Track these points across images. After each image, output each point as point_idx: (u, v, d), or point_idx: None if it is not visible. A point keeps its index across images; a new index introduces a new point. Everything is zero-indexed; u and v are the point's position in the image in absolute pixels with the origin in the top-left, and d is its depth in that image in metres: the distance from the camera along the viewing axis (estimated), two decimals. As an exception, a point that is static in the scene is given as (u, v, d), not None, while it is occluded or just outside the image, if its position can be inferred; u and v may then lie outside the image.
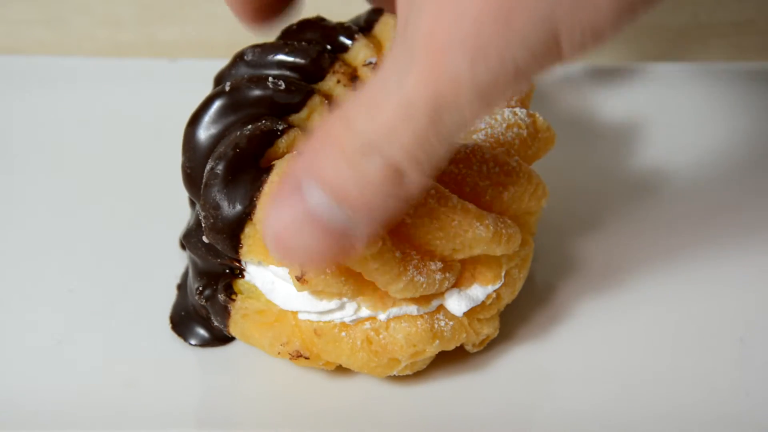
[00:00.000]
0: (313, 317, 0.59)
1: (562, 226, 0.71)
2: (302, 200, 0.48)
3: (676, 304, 0.67)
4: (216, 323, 0.62)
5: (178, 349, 0.64)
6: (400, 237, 0.56)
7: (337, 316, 0.59)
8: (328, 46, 0.65)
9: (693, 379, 0.62)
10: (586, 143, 0.78)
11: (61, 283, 0.67)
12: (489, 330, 0.61)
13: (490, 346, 0.64)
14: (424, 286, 0.56)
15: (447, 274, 0.57)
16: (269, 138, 0.58)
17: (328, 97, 0.63)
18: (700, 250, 0.70)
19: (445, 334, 0.59)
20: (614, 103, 0.80)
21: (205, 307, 0.62)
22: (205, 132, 0.60)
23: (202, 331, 0.64)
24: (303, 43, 0.64)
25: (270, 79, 0.61)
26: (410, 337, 0.58)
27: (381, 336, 0.59)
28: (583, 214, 0.72)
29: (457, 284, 0.59)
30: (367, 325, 0.59)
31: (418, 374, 0.62)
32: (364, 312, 0.59)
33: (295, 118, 0.62)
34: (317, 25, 0.66)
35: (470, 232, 0.56)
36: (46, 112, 0.79)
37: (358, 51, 0.65)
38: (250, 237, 0.57)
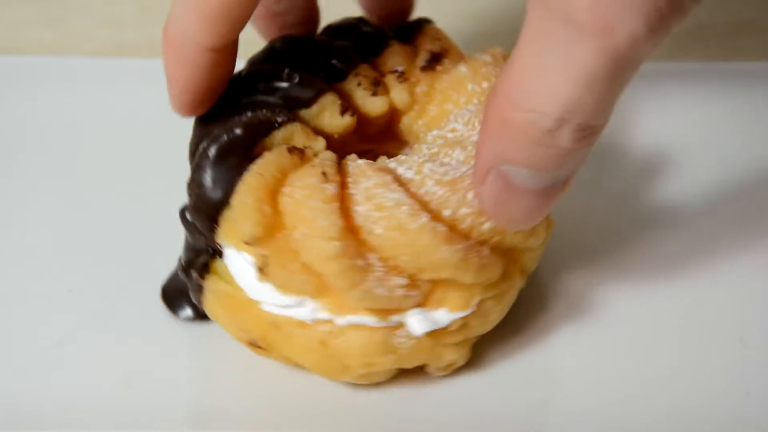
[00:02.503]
0: (274, 310, 0.59)
1: (562, 223, 0.71)
2: (506, 180, 0.52)
3: (676, 304, 0.67)
4: (193, 299, 0.63)
5: (179, 349, 0.64)
6: (368, 246, 0.56)
7: (295, 313, 0.59)
8: (362, 48, 0.65)
9: (693, 379, 0.62)
10: (586, 143, 0.78)
11: (61, 283, 0.67)
12: (454, 357, 0.61)
13: (490, 346, 0.64)
14: (384, 299, 0.56)
15: (411, 292, 0.57)
16: (266, 128, 0.58)
17: (346, 97, 0.63)
18: (700, 250, 0.70)
19: (401, 351, 0.59)
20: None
21: (185, 282, 0.63)
22: (213, 112, 0.61)
23: (188, 307, 0.65)
24: (334, 41, 0.64)
25: (286, 70, 0.61)
26: (363, 347, 0.58)
27: (336, 340, 0.58)
28: (583, 214, 0.72)
29: (423, 304, 0.58)
30: (325, 327, 0.58)
31: (418, 374, 0.62)
32: (323, 314, 0.58)
33: (305, 113, 0.61)
34: (356, 26, 0.66)
35: (436, 255, 0.55)
36: (46, 112, 0.79)
37: (389, 57, 0.65)
38: (226, 221, 0.57)
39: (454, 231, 0.56)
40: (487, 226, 0.56)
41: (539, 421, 0.61)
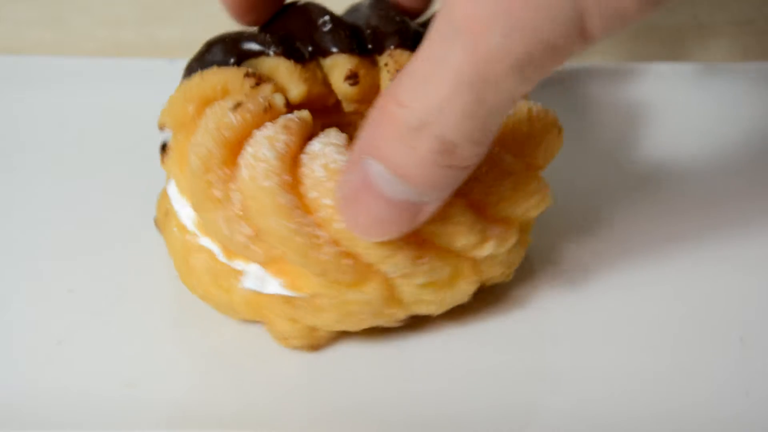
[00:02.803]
0: (172, 199, 0.63)
1: (561, 227, 0.71)
2: (366, 176, 0.51)
3: (675, 303, 0.67)
4: None
5: (178, 349, 0.64)
6: (237, 186, 0.57)
7: (180, 212, 0.62)
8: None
9: (693, 379, 0.62)
10: (585, 144, 0.78)
11: (61, 283, 0.67)
12: (285, 330, 0.61)
13: (488, 344, 0.64)
14: (225, 237, 0.58)
15: (253, 246, 0.58)
16: (257, 52, 0.63)
17: (372, 70, 0.64)
18: (700, 250, 0.70)
19: (233, 295, 0.61)
20: (614, 103, 0.80)
21: None
22: (262, 26, 0.66)
23: None
24: (399, 17, 0.65)
25: (326, 17, 0.64)
26: (203, 271, 0.61)
27: (192, 254, 0.61)
28: (583, 214, 0.72)
29: (266, 264, 0.59)
30: (191, 238, 0.62)
31: (418, 374, 0.62)
32: (193, 226, 0.61)
33: (323, 62, 0.64)
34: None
35: (266, 220, 0.56)
36: (46, 112, 0.79)
37: None
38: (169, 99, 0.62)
39: (308, 214, 0.57)
40: (339, 225, 0.56)
41: (537, 422, 0.61)
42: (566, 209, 0.72)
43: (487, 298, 0.65)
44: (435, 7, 0.70)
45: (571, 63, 0.83)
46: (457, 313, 0.64)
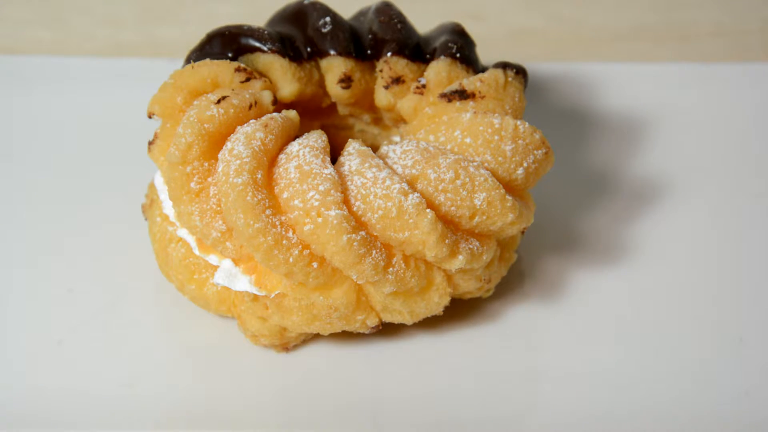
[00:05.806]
0: (158, 189, 0.64)
1: (559, 223, 0.71)
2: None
3: (676, 303, 0.67)
4: None
5: (178, 349, 0.64)
6: (218, 186, 0.57)
7: (162, 197, 0.63)
8: (430, 50, 0.66)
9: (693, 379, 0.62)
10: (585, 143, 0.78)
11: (61, 283, 0.67)
12: (256, 329, 0.61)
13: (486, 346, 0.64)
14: (198, 230, 0.58)
15: (228, 243, 0.58)
16: (253, 48, 0.64)
17: (367, 74, 0.65)
18: (700, 250, 0.70)
19: (206, 290, 0.61)
20: (614, 103, 0.80)
21: None
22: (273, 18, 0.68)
23: None
24: (401, 25, 0.65)
25: (326, 19, 0.64)
26: (179, 262, 0.62)
27: (169, 245, 0.62)
28: (582, 212, 0.72)
29: (239, 261, 0.59)
30: (171, 228, 0.62)
31: (417, 375, 0.62)
32: (172, 217, 0.62)
33: (322, 62, 0.65)
34: (450, 31, 0.67)
35: (233, 216, 0.56)
36: (46, 112, 0.79)
37: (428, 68, 0.64)
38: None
39: (280, 214, 0.57)
40: (308, 227, 0.56)
41: (536, 422, 0.61)
42: (563, 205, 0.72)
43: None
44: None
45: (571, 63, 0.83)
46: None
